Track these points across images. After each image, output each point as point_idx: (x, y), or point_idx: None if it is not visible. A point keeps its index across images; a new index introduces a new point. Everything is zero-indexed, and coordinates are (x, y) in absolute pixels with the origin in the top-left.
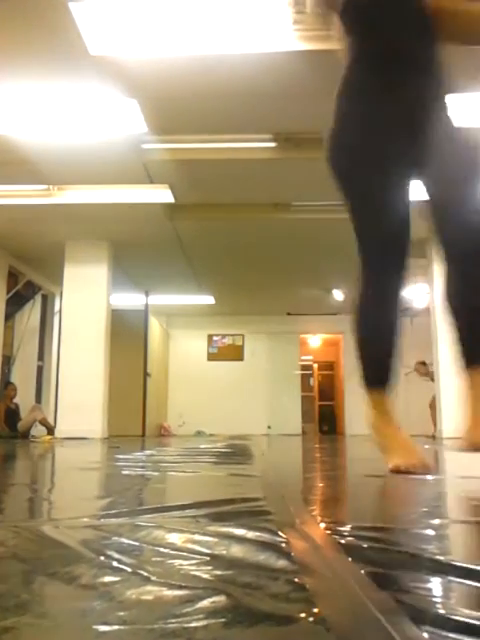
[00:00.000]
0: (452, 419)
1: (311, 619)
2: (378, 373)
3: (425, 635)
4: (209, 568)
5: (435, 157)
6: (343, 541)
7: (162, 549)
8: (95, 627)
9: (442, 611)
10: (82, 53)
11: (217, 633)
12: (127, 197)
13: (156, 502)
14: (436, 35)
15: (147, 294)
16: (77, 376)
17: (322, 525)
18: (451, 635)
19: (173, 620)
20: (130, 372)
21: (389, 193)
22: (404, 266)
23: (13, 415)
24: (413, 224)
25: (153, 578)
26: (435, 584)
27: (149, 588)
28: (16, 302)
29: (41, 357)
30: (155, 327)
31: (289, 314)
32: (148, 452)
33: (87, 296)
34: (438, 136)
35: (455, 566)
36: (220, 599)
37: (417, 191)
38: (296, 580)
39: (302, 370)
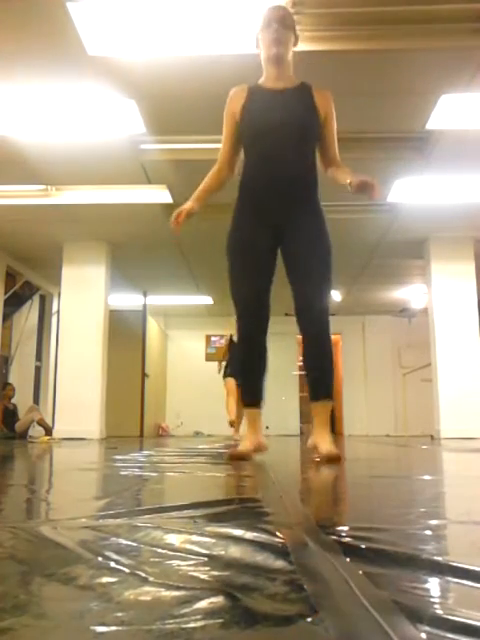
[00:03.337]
0: (450, 419)
1: (309, 620)
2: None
3: (423, 635)
4: (207, 569)
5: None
6: (341, 541)
7: (160, 550)
8: (93, 628)
9: (440, 611)
10: (80, 53)
11: (215, 634)
12: (125, 197)
13: (154, 503)
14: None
15: (145, 294)
16: (75, 376)
17: (320, 526)
18: (449, 635)
19: (171, 621)
20: (128, 372)
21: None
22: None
23: (11, 415)
24: (412, 225)
25: (151, 579)
26: (433, 584)
27: (147, 589)
28: (14, 302)
29: (39, 357)
30: (153, 327)
31: (287, 314)
32: (146, 453)
33: (85, 296)
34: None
35: (453, 566)
36: (218, 600)
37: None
38: (294, 581)
39: (300, 371)
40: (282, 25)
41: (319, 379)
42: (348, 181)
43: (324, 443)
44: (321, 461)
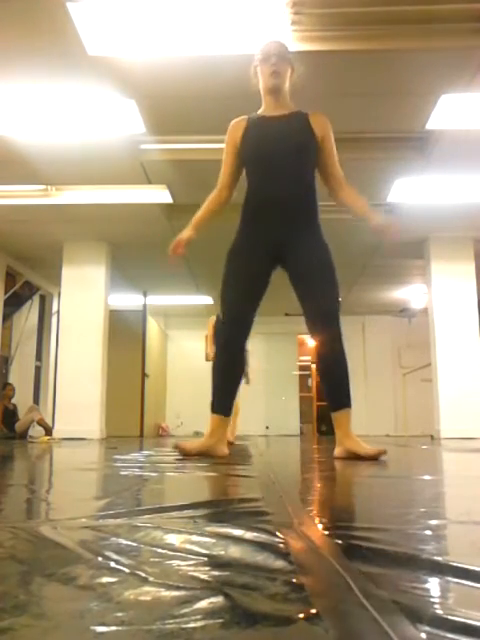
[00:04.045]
0: (450, 419)
1: (309, 619)
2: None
3: (423, 635)
4: (207, 569)
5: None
6: (341, 541)
7: (160, 550)
8: (93, 628)
9: (440, 611)
10: (80, 53)
11: (215, 634)
12: (125, 197)
13: (154, 503)
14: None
15: (145, 294)
16: (75, 376)
17: (320, 525)
18: (448, 635)
19: (171, 621)
20: (128, 372)
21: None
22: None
23: (11, 415)
24: (412, 225)
25: (151, 579)
26: (433, 584)
27: (147, 589)
28: (14, 302)
29: (39, 357)
30: (153, 327)
31: (287, 314)
32: (146, 453)
33: (85, 296)
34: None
35: (453, 566)
36: (218, 600)
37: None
38: (294, 580)
39: (300, 371)
40: (280, 58)
41: (338, 389)
42: (372, 223)
43: (361, 447)
44: (369, 459)
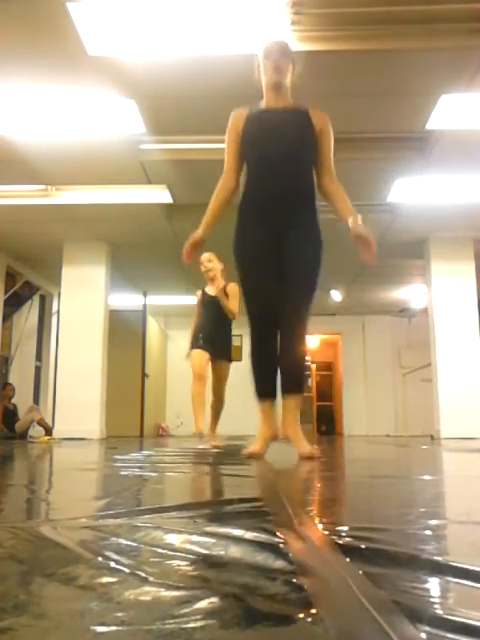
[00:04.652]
0: (450, 419)
1: (309, 619)
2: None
3: (423, 635)
4: (207, 569)
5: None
6: (341, 541)
7: (160, 550)
8: (93, 628)
9: (440, 611)
10: (80, 53)
11: (215, 634)
12: (125, 197)
13: (154, 503)
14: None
15: (145, 294)
16: (75, 376)
17: (320, 526)
18: (448, 635)
19: (171, 621)
20: (128, 372)
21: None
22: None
23: (11, 415)
24: (412, 225)
25: (151, 579)
26: (433, 584)
27: (147, 589)
28: (14, 302)
29: (39, 357)
30: (153, 327)
31: None
32: (146, 453)
33: (85, 297)
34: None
35: (453, 566)
36: (218, 600)
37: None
38: (294, 581)
39: None
40: (281, 55)
41: (290, 374)
42: (349, 224)
43: (300, 444)
44: (301, 459)
